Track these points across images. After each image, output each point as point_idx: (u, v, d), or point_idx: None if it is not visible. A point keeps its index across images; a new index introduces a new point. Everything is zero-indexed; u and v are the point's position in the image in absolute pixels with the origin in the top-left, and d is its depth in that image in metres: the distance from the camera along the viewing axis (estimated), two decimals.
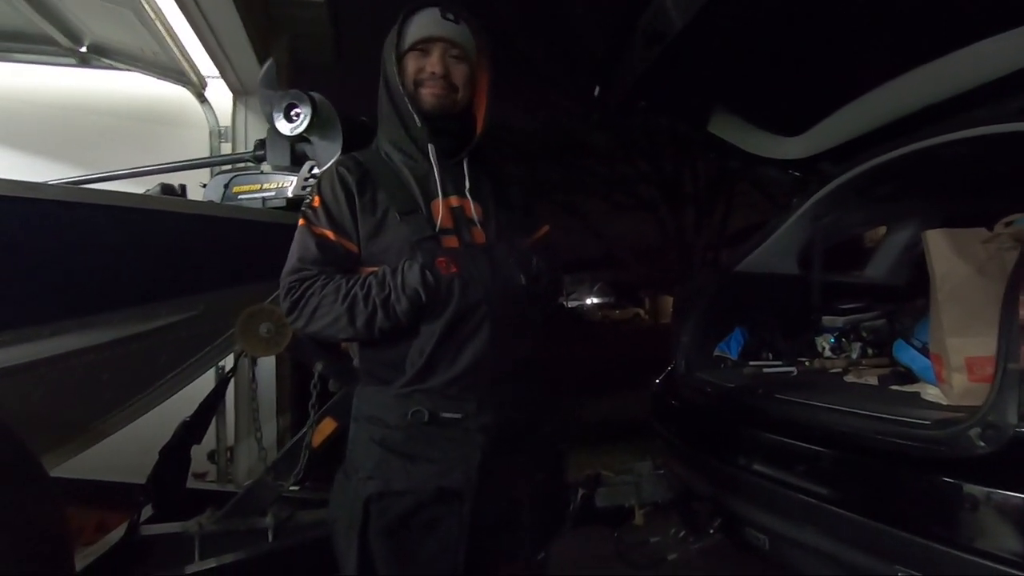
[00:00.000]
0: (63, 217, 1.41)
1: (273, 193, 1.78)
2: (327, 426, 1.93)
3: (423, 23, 1.18)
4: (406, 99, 1.17)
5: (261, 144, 1.80)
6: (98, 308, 1.54)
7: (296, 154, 1.70)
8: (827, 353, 2.41)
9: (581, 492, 1.96)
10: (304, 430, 1.92)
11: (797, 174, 2.82)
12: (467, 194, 1.20)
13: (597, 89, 2.62)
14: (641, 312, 21.27)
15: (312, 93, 1.57)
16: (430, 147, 1.18)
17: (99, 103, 3.32)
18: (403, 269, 1.11)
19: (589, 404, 6.36)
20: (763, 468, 1.82)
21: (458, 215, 1.19)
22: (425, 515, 1.12)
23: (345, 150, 1.60)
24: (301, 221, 1.19)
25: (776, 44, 2.26)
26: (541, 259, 1.23)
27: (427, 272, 1.10)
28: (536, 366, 1.24)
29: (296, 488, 2.02)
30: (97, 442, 1.86)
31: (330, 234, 1.16)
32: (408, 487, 1.12)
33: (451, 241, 1.17)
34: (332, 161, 1.26)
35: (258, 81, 1.69)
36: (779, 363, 2.36)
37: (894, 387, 1.82)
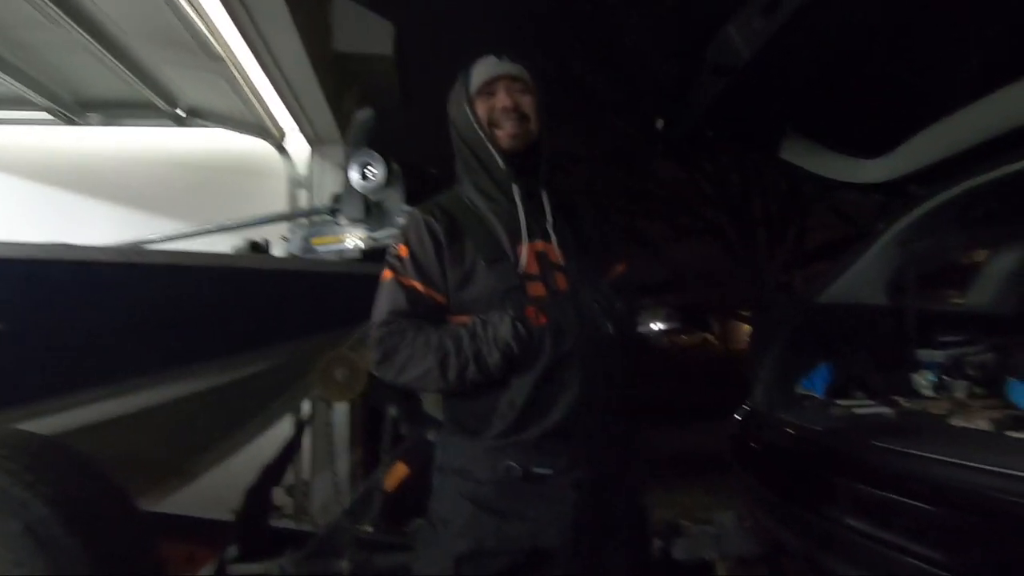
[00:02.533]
0: (163, 278, 1.52)
1: (348, 245, 1.86)
2: (399, 470, 1.95)
3: (484, 68, 1.24)
4: (486, 141, 1.19)
5: (337, 198, 1.89)
6: (194, 360, 1.64)
7: (368, 207, 1.77)
8: (927, 392, 2.20)
9: (658, 543, 1.86)
10: (377, 473, 1.95)
11: (881, 197, 2.65)
12: (551, 232, 1.20)
13: (660, 123, 2.59)
14: (710, 337, 20.44)
15: (384, 153, 1.65)
16: (514, 187, 1.19)
17: (192, 159, 3.62)
18: (494, 321, 1.10)
19: (659, 436, 6.12)
20: (862, 524, 1.66)
21: (543, 260, 1.18)
22: (526, 573, 1.10)
23: (409, 199, 1.65)
24: (388, 273, 1.18)
25: (853, 64, 2.16)
26: (623, 302, 1.21)
27: (518, 324, 1.10)
28: (623, 416, 1.21)
29: (371, 531, 2.04)
30: (191, 482, 1.96)
31: (419, 286, 1.15)
32: (500, 547, 1.10)
33: (537, 288, 1.16)
34: (415, 209, 1.25)
35: (347, 137, 1.79)
36: (872, 403, 2.18)
37: (1013, 434, 1.63)
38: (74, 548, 0.97)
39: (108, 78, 2.96)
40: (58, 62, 2.89)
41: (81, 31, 2.45)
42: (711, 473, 3.93)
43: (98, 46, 2.58)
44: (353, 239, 1.86)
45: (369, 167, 1.63)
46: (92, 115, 3.37)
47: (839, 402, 2.21)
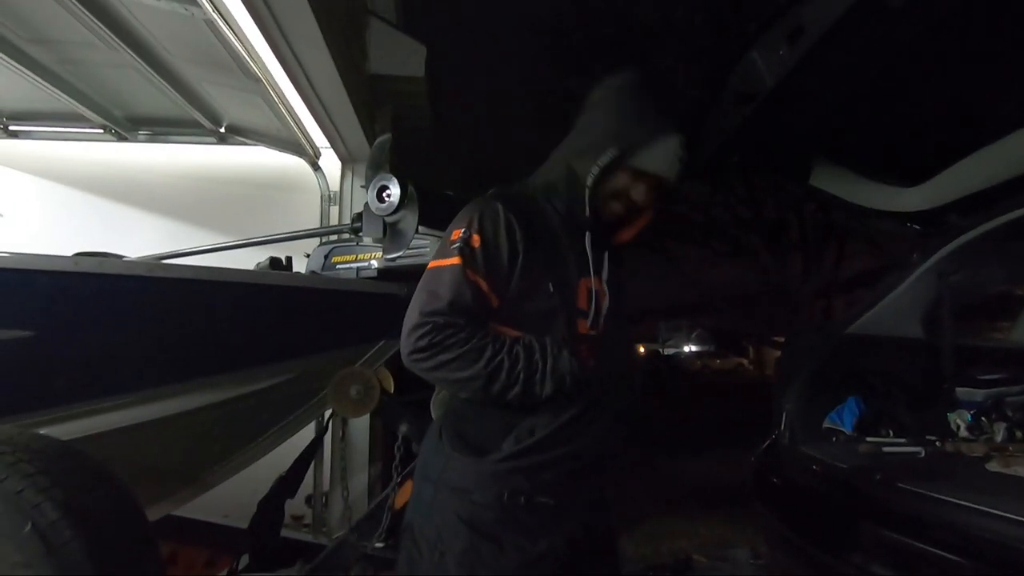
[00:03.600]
0: (184, 292, 1.58)
1: (366, 264, 1.90)
2: (409, 489, 1.96)
3: (662, 157, 1.13)
4: (587, 197, 1.13)
5: (358, 217, 1.94)
6: (210, 371, 1.69)
7: (386, 227, 1.81)
8: (963, 433, 2.09)
9: None
10: (387, 491, 1.96)
11: (917, 227, 2.55)
12: (604, 280, 1.17)
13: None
14: (745, 362, 19.87)
15: (400, 176, 1.69)
16: (587, 235, 1.15)
17: (231, 175, 3.77)
18: (553, 352, 1.07)
19: (685, 464, 5.95)
20: (885, 572, 1.57)
21: (594, 299, 1.16)
22: None
23: (423, 221, 1.68)
24: (455, 260, 1.08)
25: (887, 89, 2.10)
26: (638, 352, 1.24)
27: (575, 361, 1.08)
28: (620, 460, 1.21)
29: (379, 547, 2.05)
30: (207, 491, 2.01)
31: (484, 284, 1.08)
32: None
33: (583, 325, 1.14)
34: (492, 193, 1.15)
35: (367, 161, 1.84)
36: (903, 441, 2.08)
37: None
38: (79, 554, 1.01)
39: (156, 97, 3.12)
40: (111, 82, 3.06)
41: (132, 53, 2.59)
42: (735, 507, 3.80)
43: (147, 67, 2.73)
44: (371, 259, 1.90)
45: (386, 191, 1.67)
46: (141, 132, 3.56)
47: (868, 439, 2.12)
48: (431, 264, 1.12)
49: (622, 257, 1.25)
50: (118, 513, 1.13)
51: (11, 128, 3.45)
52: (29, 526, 0.99)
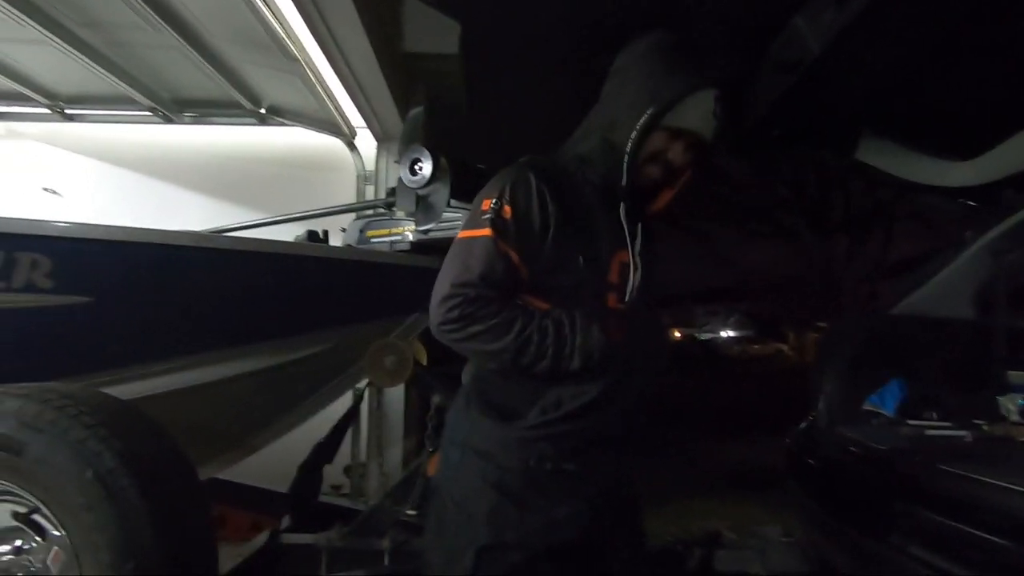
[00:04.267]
0: (229, 262, 1.65)
1: (399, 237, 1.94)
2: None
3: (696, 112, 1.11)
4: (626, 162, 1.11)
5: (392, 192, 1.97)
6: (252, 339, 1.77)
7: (418, 201, 1.84)
8: (1015, 417, 2.01)
9: (698, 552, 1.81)
10: (420, 460, 2.01)
11: (970, 203, 2.43)
12: (637, 254, 1.16)
13: None
14: (784, 348, 19.37)
15: (432, 149, 1.70)
16: (622, 206, 1.14)
17: (270, 155, 3.87)
18: (582, 327, 1.08)
19: (720, 447, 5.91)
20: (925, 554, 1.54)
21: (624, 273, 1.16)
22: (535, 570, 1.10)
23: (455, 194, 1.69)
24: (486, 231, 1.07)
25: (941, 58, 2.00)
26: (666, 327, 1.26)
27: (603, 336, 1.09)
28: (644, 430, 1.22)
29: (412, 514, 2.12)
30: (250, 455, 2.11)
31: (515, 256, 1.07)
32: (520, 540, 1.10)
33: (613, 299, 1.15)
34: (524, 161, 1.15)
35: (400, 135, 1.86)
36: (948, 424, 2.01)
37: None
38: (136, 499, 1.08)
39: (200, 79, 3.22)
40: (158, 64, 3.17)
41: (176, 34, 2.68)
42: (769, 489, 3.76)
43: (191, 48, 2.81)
44: (405, 232, 1.94)
45: (418, 163, 1.69)
46: (186, 114, 3.68)
47: (910, 422, 2.06)
48: (461, 234, 1.11)
49: (654, 231, 1.24)
50: (171, 464, 1.21)
51: (67, 111, 3.62)
52: (90, 472, 1.07)
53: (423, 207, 1.73)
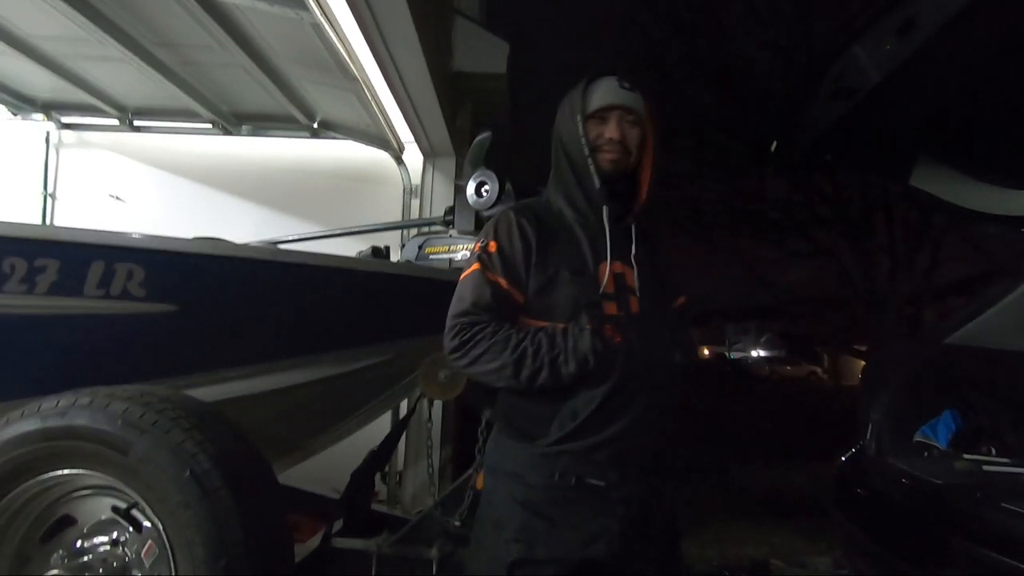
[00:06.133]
0: (299, 276, 1.73)
1: (459, 256, 2.00)
2: None
3: (603, 92, 1.25)
4: (588, 161, 1.23)
5: (450, 210, 2.04)
6: (317, 349, 1.85)
7: (479, 220, 1.90)
8: None
9: None
10: (470, 471, 2.06)
11: None
12: (631, 260, 1.24)
13: (774, 145, 2.50)
14: (819, 371, 18.85)
15: (499, 173, 1.77)
16: (604, 209, 1.23)
17: (320, 167, 4.01)
18: (574, 332, 1.15)
19: (754, 471, 5.80)
20: None
21: (620, 282, 1.22)
22: None
23: None
24: (475, 266, 1.21)
25: (1000, 86, 1.98)
26: (683, 332, 1.29)
27: (597, 339, 1.14)
28: (672, 442, 1.25)
29: (459, 524, 2.16)
30: (306, 459, 2.19)
31: (503, 282, 1.19)
32: (551, 555, 1.13)
33: (611, 307, 1.20)
34: (507, 207, 1.31)
35: (468, 158, 1.94)
36: (1006, 460, 1.97)
37: None
38: (228, 499, 1.16)
39: (259, 94, 3.37)
40: (222, 81, 3.34)
41: (244, 54, 2.82)
42: (807, 516, 3.69)
43: (256, 67, 2.96)
44: (463, 250, 2.00)
45: (484, 185, 1.75)
46: (244, 127, 3.84)
47: (966, 456, 2.02)
48: (460, 278, 1.24)
49: (652, 239, 1.31)
50: (255, 467, 1.28)
51: (135, 123, 3.82)
52: (188, 472, 1.15)
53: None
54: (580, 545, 1.13)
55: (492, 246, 1.21)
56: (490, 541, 1.18)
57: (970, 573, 1.57)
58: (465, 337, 1.17)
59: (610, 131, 1.24)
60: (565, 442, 1.15)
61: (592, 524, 1.13)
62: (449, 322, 1.20)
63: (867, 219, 6.98)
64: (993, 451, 2.02)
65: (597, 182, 1.23)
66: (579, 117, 1.24)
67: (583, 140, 1.23)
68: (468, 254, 2.01)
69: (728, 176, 7.75)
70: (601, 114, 1.25)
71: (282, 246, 2.39)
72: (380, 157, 3.90)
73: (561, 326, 1.17)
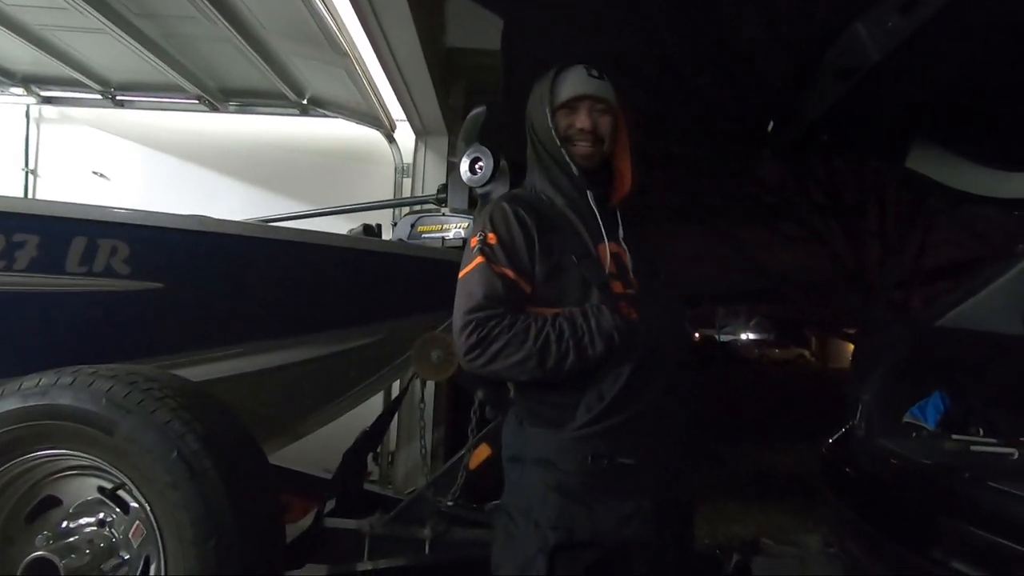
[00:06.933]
0: (289, 253, 1.70)
1: (451, 235, 1.97)
2: (483, 451, 2.04)
3: (571, 82, 1.25)
4: (563, 152, 1.23)
5: (443, 188, 2.00)
6: (308, 329, 1.82)
7: (472, 198, 1.87)
8: None
9: (736, 557, 1.82)
10: (463, 452, 2.05)
11: (1020, 214, 2.39)
12: (622, 241, 1.24)
13: (771, 125, 2.48)
14: (806, 354, 19.10)
15: (494, 149, 1.73)
16: (589, 193, 1.23)
17: (310, 145, 3.93)
18: (594, 312, 1.15)
19: (742, 452, 5.87)
20: (970, 570, 1.53)
21: (618, 261, 1.22)
22: (609, 566, 1.13)
23: None
24: (478, 259, 1.18)
25: (1000, 67, 1.96)
26: (684, 308, 1.31)
27: (617, 316, 1.14)
28: (691, 413, 1.25)
29: (452, 504, 2.16)
30: (297, 439, 2.17)
31: (510, 273, 1.16)
32: (592, 538, 1.13)
33: (617, 286, 1.20)
34: (498, 198, 1.29)
35: (461, 134, 1.90)
36: (994, 441, 1.99)
37: None
38: (217, 480, 1.14)
39: (247, 69, 3.28)
40: (208, 54, 3.24)
41: (230, 27, 2.73)
42: (794, 496, 3.75)
43: (243, 40, 2.87)
44: (456, 228, 1.97)
45: (479, 162, 1.72)
46: (231, 103, 3.75)
47: (955, 436, 2.04)
48: (460, 275, 1.21)
49: (637, 220, 1.31)
50: (244, 447, 1.26)
51: (118, 98, 3.72)
52: (175, 452, 1.13)
53: (482, 205, 1.76)
54: (617, 526, 1.13)
55: (492, 238, 1.19)
56: (522, 532, 1.16)
57: (957, 551, 1.59)
58: (483, 333, 1.12)
59: (581, 121, 1.24)
60: (594, 424, 1.14)
61: (627, 504, 1.13)
62: (461, 320, 1.15)
63: (859, 203, 7.00)
64: (981, 432, 2.04)
65: (575, 170, 1.23)
66: (548, 109, 1.23)
67: (553, 132, 1.23)
68: (461, 232, 1.99)
69: (723, 160, 7.72)
70: (571, 104, 1.25)
71: (284, 225, 2.33)
72: (371, 136, 3.83)
73: (577, 310, 1.16)
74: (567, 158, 1.23)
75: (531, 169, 1.31)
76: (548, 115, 1.23)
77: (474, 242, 1.21)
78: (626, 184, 1.27)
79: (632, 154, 1.28)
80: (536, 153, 1.28)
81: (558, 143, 1.23)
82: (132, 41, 2.92)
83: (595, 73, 1.26)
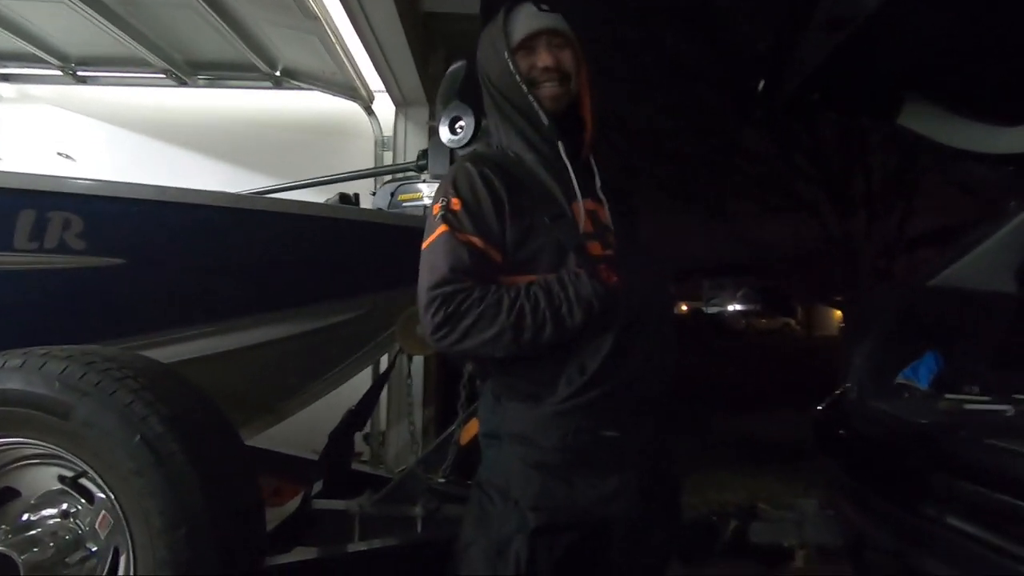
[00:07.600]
0: (263, 224, 1.60)
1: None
2: (473, 426, 1.98)
3: (524, 20, 1.16)
4: (530, 99, 1.13)
5: (424, 154, 1.90)
6: (284, 304, 1.73)
7: (454, 161, 1.77)
8: None
9: (733, 523, 1.79)
10: (452, 428, 2.00)
11: (1017, 171, 2.35)
12: (600, 195, 1.15)
13: (761, 84, 2.39)
14: (792, 322, 19.36)
15: (475, 107, 1.63)
16: (560, 145, 1.13)
17: (286, 120, 3.79)
18: (571, 279, 1.06)
19: (731, 420, 5.93)
20: (965, 526, 1.52)
21: (596, 219, 1.14)
22: (592, 545, 1.08)
23: None
24: (441, 228, 1.08)
25: (997, 17, 1.89)
26: (665, 264, 1.23)
27: (595, 281, 1.06)
28: (673, 380, 1.18)
29: (443, 481, 2.11)
30: (280, 421, 2.10)
31: (478, 241, 1.07)
32: (574, 518, 1.07)
33: (595, 247, 1.11)
34: (460, 158, 1.21)
35: (440, 93, 1.79)
36: (987, 399, 1.97)
37: None
38: (185, 464, 1.06)
39: (215, 40, 3.12)
40: (172, 24, 3.07)
41: None
42: (784, 462, 3.78)
43: (207, 7, 2.71)
44: None
45: (459, 121, 1.62)
46: (200, 77, 3.58)
47: (948, 396, 2.02)
48: (423, 246, 1.11)
49: (610, 176, 1.21)
50: (216, 429, 1.18)
51: (79, 74, 3.53)
52: (138, 437, 1.05)
53: None
54: (601, 503, 1.07)
55: (456, 203, 1.08)
56: (499, 509, 1.08)
57: (952, 508, 1.58)
58: (450, 309, 1.03)
59: (542, 59, 1.14)
60: (576, 396, 1.07)
61: (611, 479, 1.07)
62: (425, 296, 1.06)
63: (846, 170, 6.97)
64: (976, 390, 2.02)
65: (545, 119, 1.13)
66: (506, 53, 1.13)
67: (517, 77, 1.12)
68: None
69: (708, 131, 7.62)
70: (527, 44, 1.15)
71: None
72: (349, 108, 3.69)
73: (552, 276, 1.07)
74: (535, 105, 1.12)
75: (493, 125, 1.21)
76: (507, 59, 1.12)
77: (436, 209, 1.10)
78: (589, 126, 1.18)
79: (593, 95, 1.18)
80: (497, 105, 1.18)
81: (524, 88, 1.12)
82: (90, 10, 2.75)
83: (545, 7, 1.16)
